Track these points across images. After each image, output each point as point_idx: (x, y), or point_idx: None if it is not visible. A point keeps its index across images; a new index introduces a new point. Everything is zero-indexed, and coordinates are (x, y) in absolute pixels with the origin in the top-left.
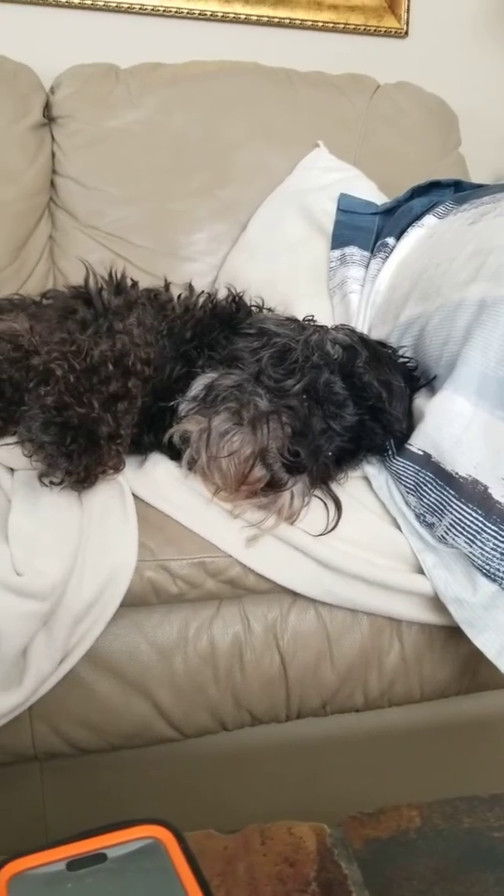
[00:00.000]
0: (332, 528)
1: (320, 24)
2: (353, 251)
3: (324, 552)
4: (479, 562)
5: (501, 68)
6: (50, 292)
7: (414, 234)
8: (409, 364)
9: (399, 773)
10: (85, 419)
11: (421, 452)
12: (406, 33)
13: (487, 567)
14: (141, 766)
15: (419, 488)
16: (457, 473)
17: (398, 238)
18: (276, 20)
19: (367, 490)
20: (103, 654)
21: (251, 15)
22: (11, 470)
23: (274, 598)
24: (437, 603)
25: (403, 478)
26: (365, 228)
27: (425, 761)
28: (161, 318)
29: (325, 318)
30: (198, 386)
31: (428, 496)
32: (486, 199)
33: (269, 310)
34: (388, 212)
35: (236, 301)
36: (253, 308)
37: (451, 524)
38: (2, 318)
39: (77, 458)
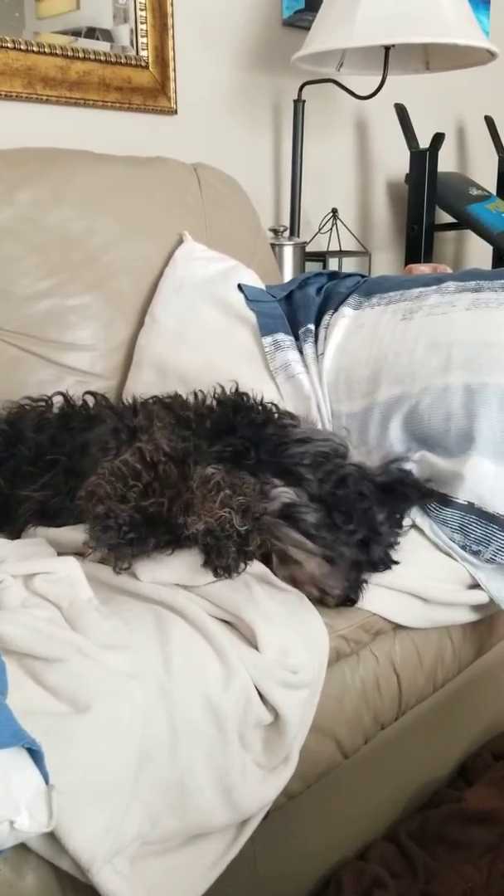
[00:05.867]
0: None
1: (109, 103)
2: (282, 337)
3: (427, 592)
4: None
5: (250, 140)
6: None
7: (341, 324)
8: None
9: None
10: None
11: (465, 503)
12: (176, 111)
13: None
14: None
15: (464, 528)
16: (497, 513)
17: (317, 325)
18: (73, 100)
19: (419, 535)
20: None
21: (51, 95)
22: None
23: (386, 636)
24: (480, 607)
25: (450, 522)
26: (277, 315)
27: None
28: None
29: (273, 397)
30: (276, 503)
31: (474, 532)
32: (394, 295)
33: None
34: (286, 299)
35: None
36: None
37: (497, 548)
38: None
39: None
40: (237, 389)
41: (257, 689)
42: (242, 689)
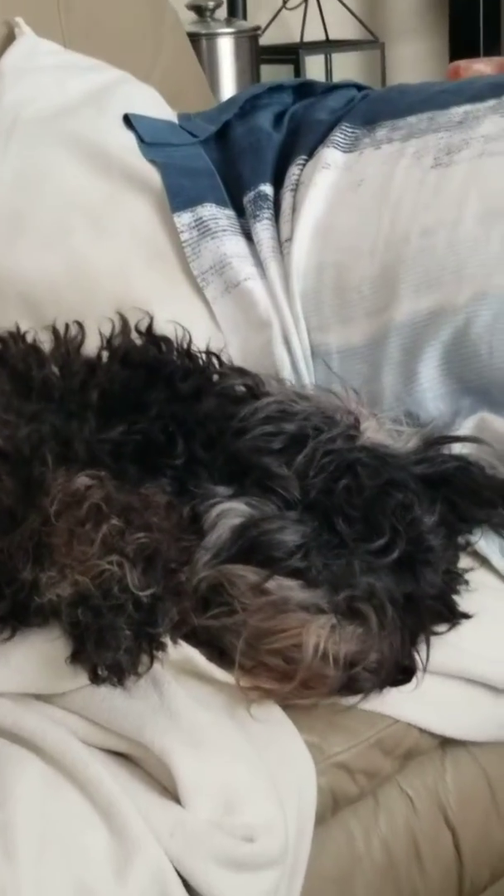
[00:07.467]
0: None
1: None
2: (212, 212)
3: (498, 673)
4: None
5: None
6: None
7: (322, 181)
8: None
9: None
10: None
11: None
12: None
13: None
14: None
15: None
16: None
17: (277, 185)
18: None
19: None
20: None
21: None
22: None
23: (426, 760)
24: None
25: None
26: (202, 172)
27: None
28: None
29: (201, 326)
30: (221, 527)
31: None
32: (416, 121)
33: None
34: (218, 138)
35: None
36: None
37: None
38: None
39: None
40: (150, 328)
41: (180, 875)
42: (152, 876)
